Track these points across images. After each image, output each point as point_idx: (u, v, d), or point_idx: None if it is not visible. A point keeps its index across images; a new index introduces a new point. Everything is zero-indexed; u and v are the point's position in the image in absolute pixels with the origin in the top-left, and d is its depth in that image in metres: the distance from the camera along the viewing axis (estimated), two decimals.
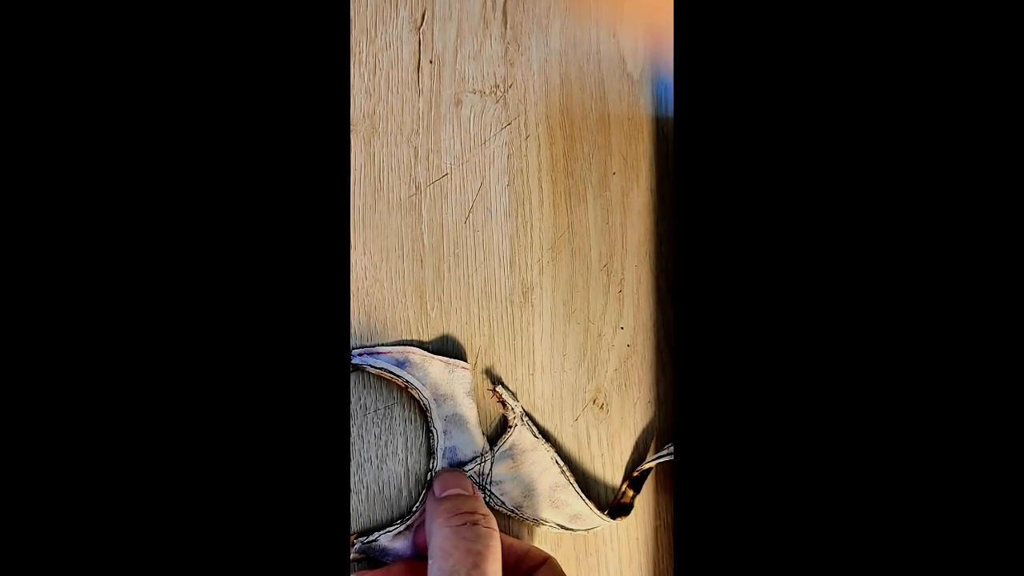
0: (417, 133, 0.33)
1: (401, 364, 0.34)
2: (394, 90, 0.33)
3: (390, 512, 0.34)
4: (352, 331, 0.33)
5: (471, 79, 0.34)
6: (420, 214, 0.33)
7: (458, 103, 0.34)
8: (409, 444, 0.34)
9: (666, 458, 0.39)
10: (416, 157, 0.33)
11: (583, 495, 0.37)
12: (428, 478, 0.34)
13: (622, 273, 0.38)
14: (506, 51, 0.35)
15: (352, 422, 0.34)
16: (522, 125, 0.36)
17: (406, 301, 0.34)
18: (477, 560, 0.26)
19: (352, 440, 0.33)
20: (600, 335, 0.38)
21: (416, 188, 0.33)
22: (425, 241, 0.34)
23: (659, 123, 0.39)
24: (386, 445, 0.34)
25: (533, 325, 0.36)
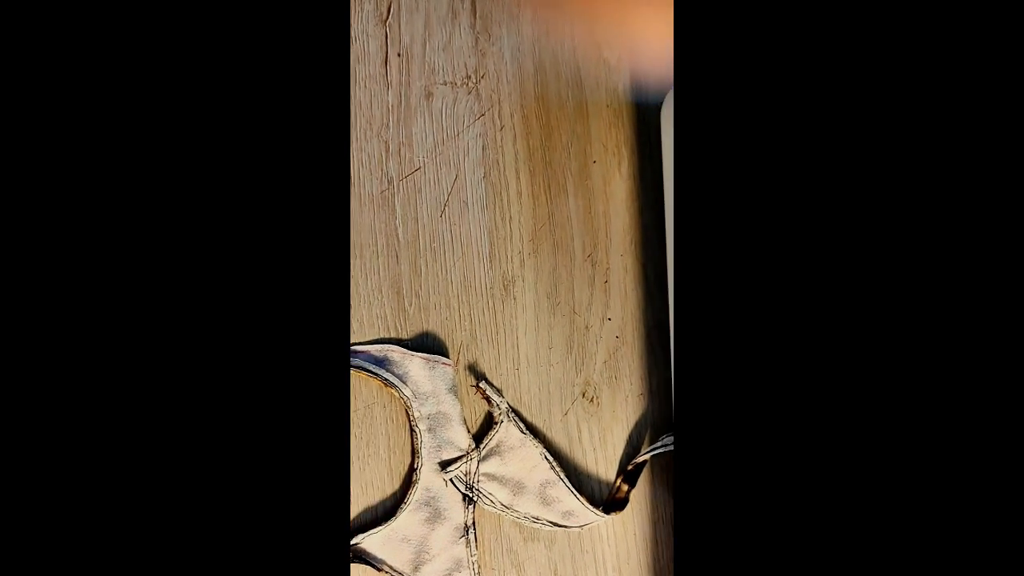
0: (388, 127, 0.33)
1: (380, 362, 0.33)
2: (362, 84, 0.33)
3: (374, 513, 0.33)
4: None
5: (441, 71, 0.34)
6: (394, 209, 0.33)
7: (429, 95, 0.33)
8: (391, 444, 0.33)
9: (661, 450, 0.37)
10: (388, 151, 0.32)
11: (575, 491, 0.35)
12: (412, 479, 0.33)
13: (607, 263, 0.37)
14: (476, 41, 0.34)
15: None
16: (496, 116, 0.35)
17: (383, 298, 0.33)
18: None
19: None
20: (587, 327, 0.37)
21: (389, 183, 0.32)
22: (400, 236, 0.33)
23: (639, 109, 0.38)
24: (367, 445, 0.33)
25: (516, 319, 0.35)
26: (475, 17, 0.34)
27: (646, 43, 0.36)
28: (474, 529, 0.34)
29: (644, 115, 0.38)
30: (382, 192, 0.33)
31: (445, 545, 0.34)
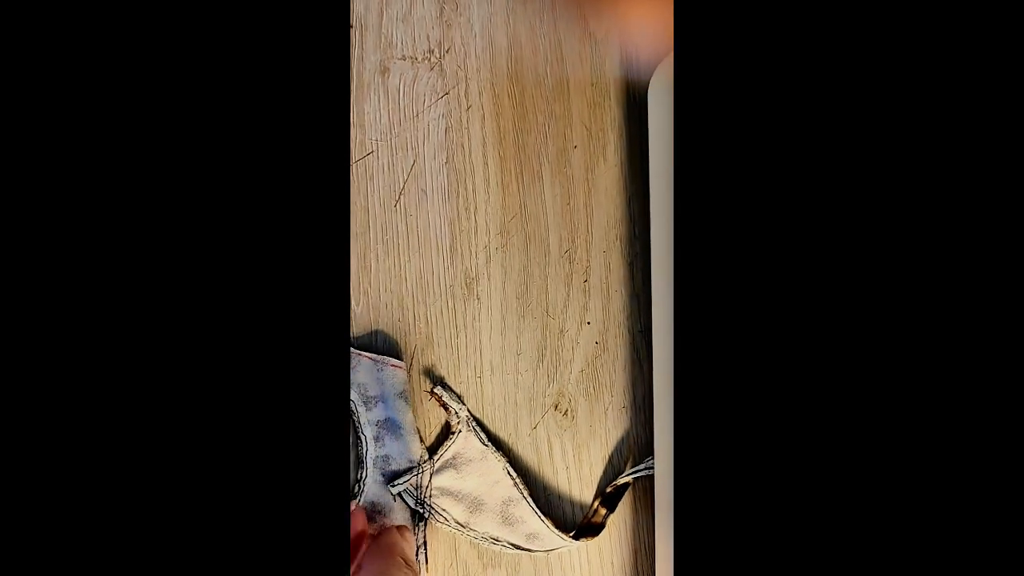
0: None
1: None
2: None
3: None
4: None
5: (400, 44, 0.31)
6: None
7: (385, 71, 0.30)
8: None
9: (645, 472, 0.34)
10: None
11: (539, 512, 0.32)
12: (356, 490, 0.31)
13: (587, 260, 0.33)
14: (442, 11, 0.31)
15: None
16: (462, 94, 0.31)
17: None
18: None
19: None
20: (562, 331, 0.33)
21: None
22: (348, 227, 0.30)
23: (629, 88, 0.34)
24: None
25: (479, 320, 0.32)
26: None
27: (636, 13, 0.32)
28: (425, 550, 0.32)
29: (635, 95, 0.34)
30: None
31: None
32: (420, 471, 0.31)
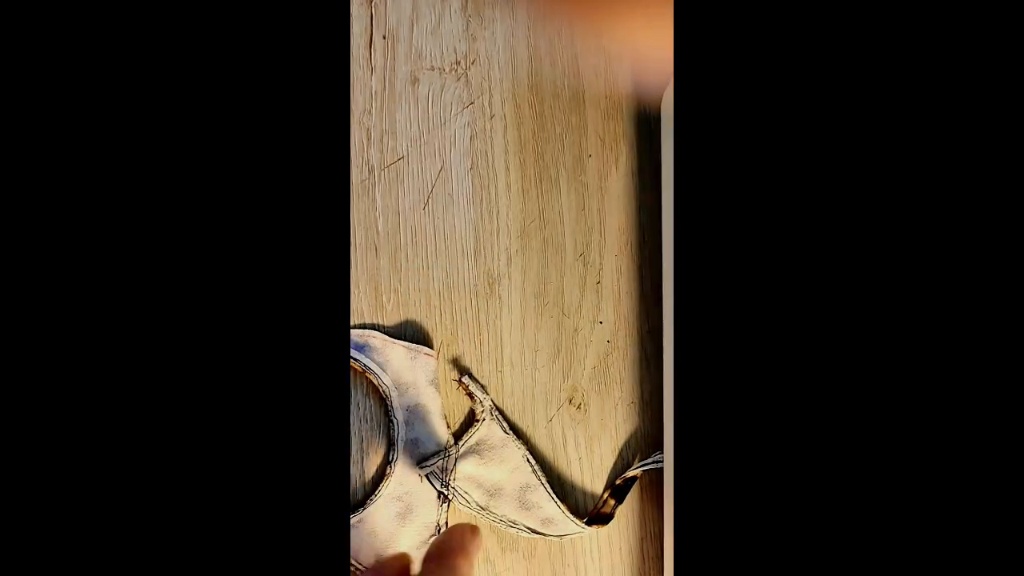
0: (370, 113, 0.32)
1: (360, 348, 0.33)
2: None
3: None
4: None
5: (429, 55, 0.33)
6: (374, 200, 0.32)
7: (415, 81, 0.33)
8: (367, 432, 0.33)
9: (652, 466, 0.36)
10: (369, 139, 0.32)
11: (556, 498, 0.35)
12: (387, 470, 0.33)
13: (600, 263, 0.36)
14: (468, 25, 0.34)
15: None
16: (486, 104, 0.34)
17: (359, 292, 0.33)
18: None
19: None
20: (576, 330, 0.36)
21: (369, 172, 0.32)
22: (380, 228, 0.33)
23: (640, 101, 0.37)
24: None
25: (500, 319, 0.35)
26: None
27: (649, 30, 0.35)
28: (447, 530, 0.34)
29: (645, 107, 0.37)
30: (362, 182, 0.33)
31: (415, 543, 0.34)
32: (446, 455, 0.34)
